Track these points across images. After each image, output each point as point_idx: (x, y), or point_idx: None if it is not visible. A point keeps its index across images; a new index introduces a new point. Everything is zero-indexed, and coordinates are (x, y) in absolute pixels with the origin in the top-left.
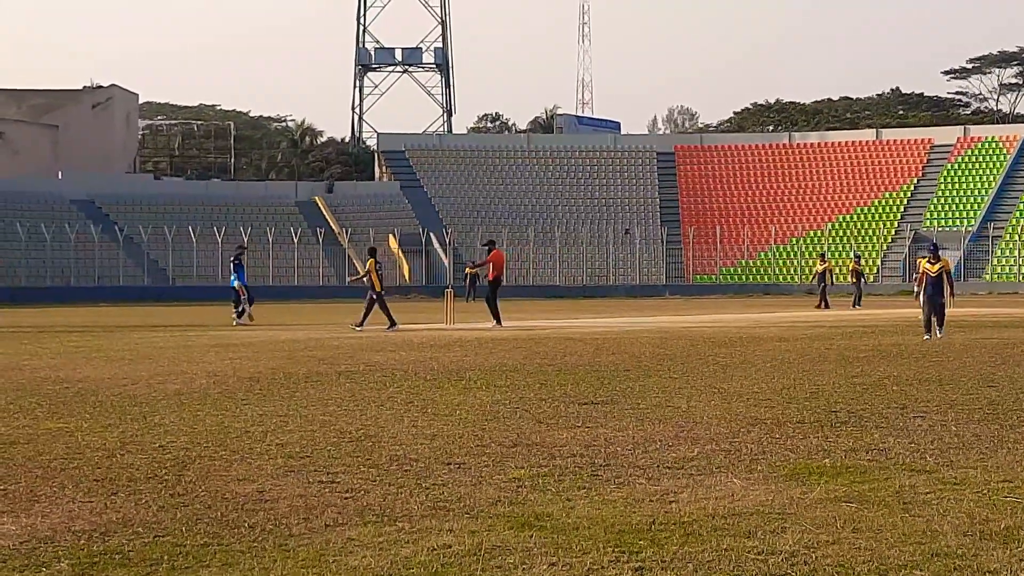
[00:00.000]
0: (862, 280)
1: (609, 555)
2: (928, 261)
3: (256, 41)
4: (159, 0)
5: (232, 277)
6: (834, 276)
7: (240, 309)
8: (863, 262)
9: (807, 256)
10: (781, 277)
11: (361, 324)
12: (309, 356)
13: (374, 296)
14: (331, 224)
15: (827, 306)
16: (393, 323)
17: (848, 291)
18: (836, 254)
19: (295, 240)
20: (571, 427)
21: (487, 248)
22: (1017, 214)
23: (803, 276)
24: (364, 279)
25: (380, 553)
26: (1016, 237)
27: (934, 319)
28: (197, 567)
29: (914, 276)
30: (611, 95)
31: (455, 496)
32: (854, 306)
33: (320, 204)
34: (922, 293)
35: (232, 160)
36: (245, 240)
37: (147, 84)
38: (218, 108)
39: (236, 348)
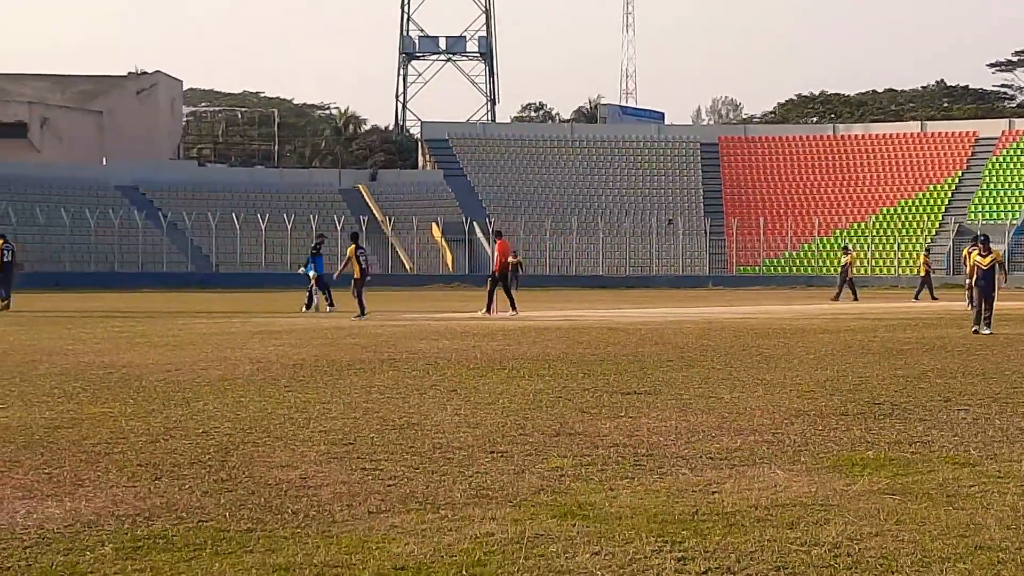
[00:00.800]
0: (846, 274)
1: (652, 545)
2: (979, 254)
3: (300, 28)
4: None
5: (309, 267)
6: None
7: (308, 301)
8: (852, 255)
9: (852, 247)
10: (825, 269)
11: (361, 314)
12: (352, 343)
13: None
14: (375, 212)
15: (837, 299)
16: (363, 312)
17: (858, 283)
18: (880, 247)
19: (338, 228)
20: (614, 417)
21: (494, 238)
22: None
23: None
24: (347, 267)
25: (423, 540)
26: None
27: (984, 313)
28: (240, 552)
29: (963, 270)
30: (655, 85)
31: (498, 484)
32: (835, 299)
33: (364, 192)
34: (973, 286)
35: (276, 147)
36: (323, 230)
37: (192, 71)
38: (262, 95)
39: (279, 335)
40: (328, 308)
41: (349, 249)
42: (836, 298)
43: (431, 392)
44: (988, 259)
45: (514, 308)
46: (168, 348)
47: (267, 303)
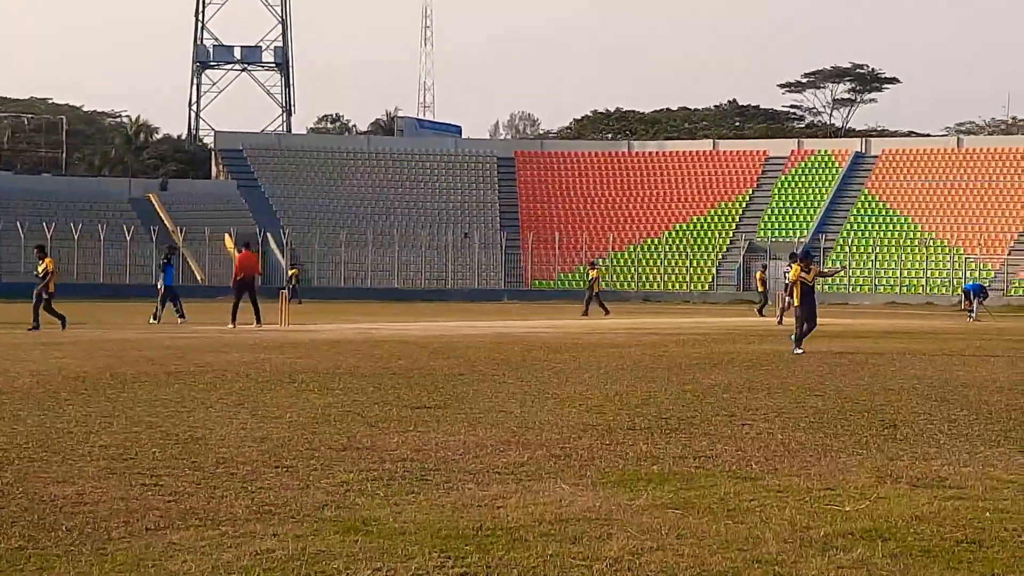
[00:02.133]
0: (592, 289)
1: (434, 560)
2: (803, 269)
3: (91, 34)
4: None
5: (161, 277)
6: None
7: (156, 312)
8: (600, 269)
9: (644, 263)
10: (618, 284)
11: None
12: (138, 356)
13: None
14: (165, 222)
15: (586, 314)
16: (36, 327)
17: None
18: (673, 262)
19: (127, 238)
20: (403, 431)
21: (240, 250)
22: (848, 226)
23: (639, 284)
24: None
25: (201, 557)
26: (846, 248)
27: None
28: (11, 571)
29: (782, 285)
30: (453, 99)
31: (281, 500)
32: (584, 314)
33: (154, 202)
34: (795, 303)
35: (64, 155)
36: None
37: None
38: (50, 102)
39: (63, 347)
40: (180, 320)
41: (47, 262)
42: (585, 313)
43: (217, 406)
44: (812, 274)
45: (258, 321)
46: None
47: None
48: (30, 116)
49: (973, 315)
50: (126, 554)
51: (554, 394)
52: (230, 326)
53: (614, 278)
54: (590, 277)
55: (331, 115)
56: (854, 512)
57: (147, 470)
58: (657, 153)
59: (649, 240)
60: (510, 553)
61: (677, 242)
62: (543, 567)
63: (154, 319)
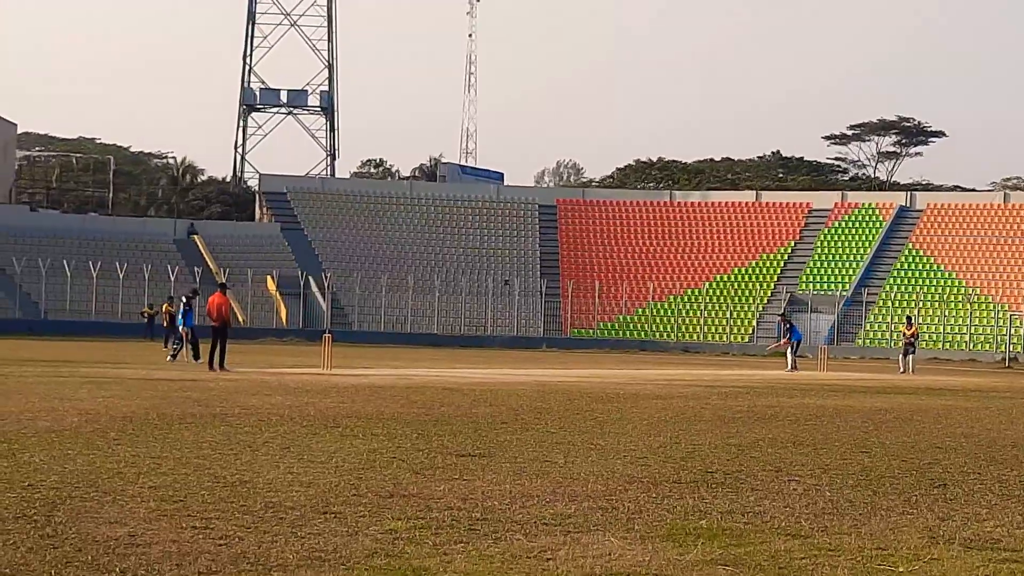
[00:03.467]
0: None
1: None
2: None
3: (139, 75)
4: (42, 29)
5: (180, 320)
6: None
7: (175, 351)
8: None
9: (684, 314)
10: (658, 334)
11: None
12: (184, 397)
13: None
14: (209, 263)
15: (907, 370)
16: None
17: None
18: (713, 314)
19: (172, 278)
20: (448, 479)
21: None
22: (891, 280)
23: (679, 334)
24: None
25: None
26: (889, 303)
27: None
28: None
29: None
30: (496, 146)
31: (331, 547)
32: None
33: (199, 242)
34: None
35: (111, 195)
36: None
37: (26, 114)
38: (98, 141)
39: (109, 386)
40: (194, 361)
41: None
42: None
43: (263, 449)
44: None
45: (212, 366)
46: None
47: (97, 352)
48: (78, 156)
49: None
50: None
51: (598, 445)
52: (212, 371)
53: (654, 328)
54: (907, 333)
55: (375, 160)
56: (907, 573)
57: (197, 513)
58: (699, 203)
59: (690, 291)
60: None
61: (718, 293)
62: None
63: (172, 358)
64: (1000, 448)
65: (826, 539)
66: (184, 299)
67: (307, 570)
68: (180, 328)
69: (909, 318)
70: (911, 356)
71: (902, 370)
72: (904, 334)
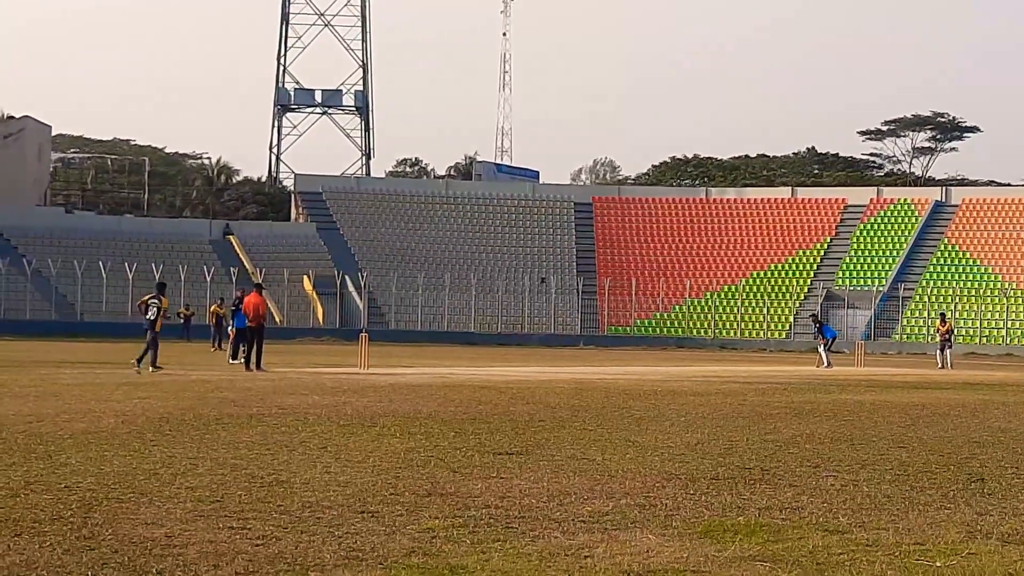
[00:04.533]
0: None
1: None
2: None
3: (174, 76)
4: (77, 31)
5: (232, 322)
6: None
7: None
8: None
9: (721, 311)
10: (695, 331)
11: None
12: (219, 398)
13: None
14: (245, 263)
15: (945, 366)
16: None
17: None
18: (750, 310)
19: (208, 279)
20: (486, 477)
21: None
22: (927, 276)
23: (716, 331)
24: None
25: None
26: (925, 298)
27: None
28: None
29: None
30: (532, 144)
31: (368, 545)
32: None
33: (234, 243)
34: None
35: (146, 196)
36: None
37: (61, 116)
38: (133, 143)
39: (145, 387)
40: (231, 361)
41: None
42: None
43: (300, 449)
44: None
45: (249, 366)
46: (30, 399)
47: (133, 354)
48: (114, 157)
49: None
50: None
51: (635, 442)
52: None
53: (691, 325)
54: (942, 330)
55: (410, 159)
56: (946, 568)
57: (234, 513)
58: (735, 200)
59: (726, 287)
60: None
61: (754, 290)
62: None
63: (233, 359)
64: None
65: (864, 535)
66: (234, 302)
67: (344, 570)
68: (231, 329)
69: (943, 314)
70: (948, 351)
71: (940, 366)
72: (939, 330)
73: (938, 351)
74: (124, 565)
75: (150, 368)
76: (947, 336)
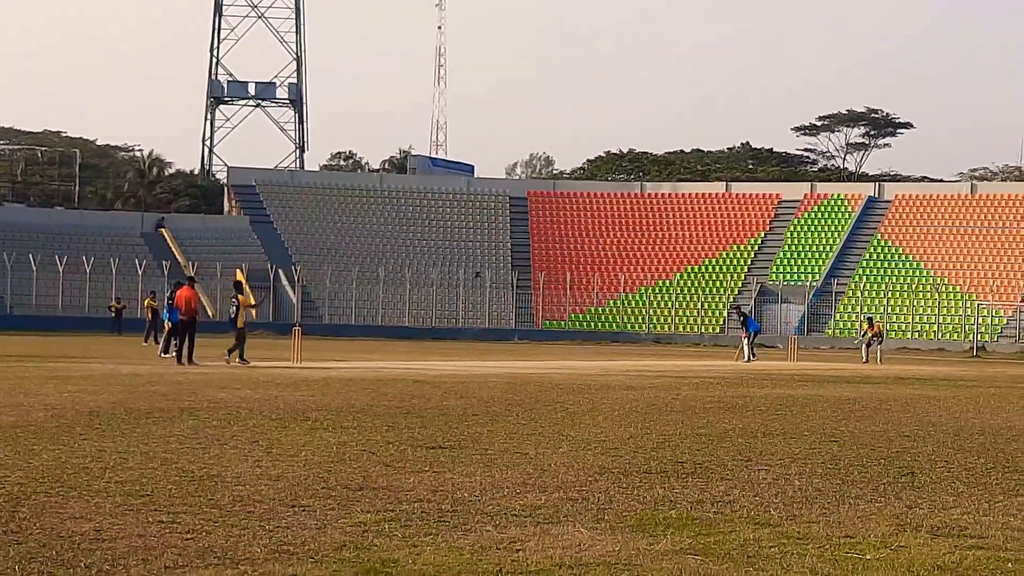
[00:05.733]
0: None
1: None
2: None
3: (106, 68)
4: (5, 20)
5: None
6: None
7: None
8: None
9: (655, 305)
10: (630, 325)
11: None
12: (151, 391)
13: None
14: (177, 256)
15: (871, 360)
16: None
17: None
18: (684, 305)
19: (140, 272)
20: (418, 471)
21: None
22: (860, 271)
23: (651, 325)
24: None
25: None
26: (858, 293)
27: None
28: None
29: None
30: (467, 138)
31: (299, 539)
32: None
33: (167, 236)
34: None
35: (77, 188)
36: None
37: None
38: (64, 135)
39: (75, 381)
40: (162, 355)
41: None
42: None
43: (232, 443)
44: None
45: (181, 360)
46: None
47: (64, 347)
48: (44, 149)
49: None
50: None
51: (569, 436)
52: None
53: (625, 319)
54: (870, 332)
55: (344, 152)
56: (875, 561)
57: (164, 507)
58: (670, 195)
59: (661, 282)
60: None
61: (689, 284)
62: None
63: (165, 353)
64: (967, 436)
65: (795, 527)
66: (169, 295)
67: (275, 563)
68: (165, 322)
69: (870, 319)
70: (876, 346)
71: (865, 360)
72: (866, 332)
73: (864, 346)
74: (52, 559)
75: (238, 360)
76: (876, 337)
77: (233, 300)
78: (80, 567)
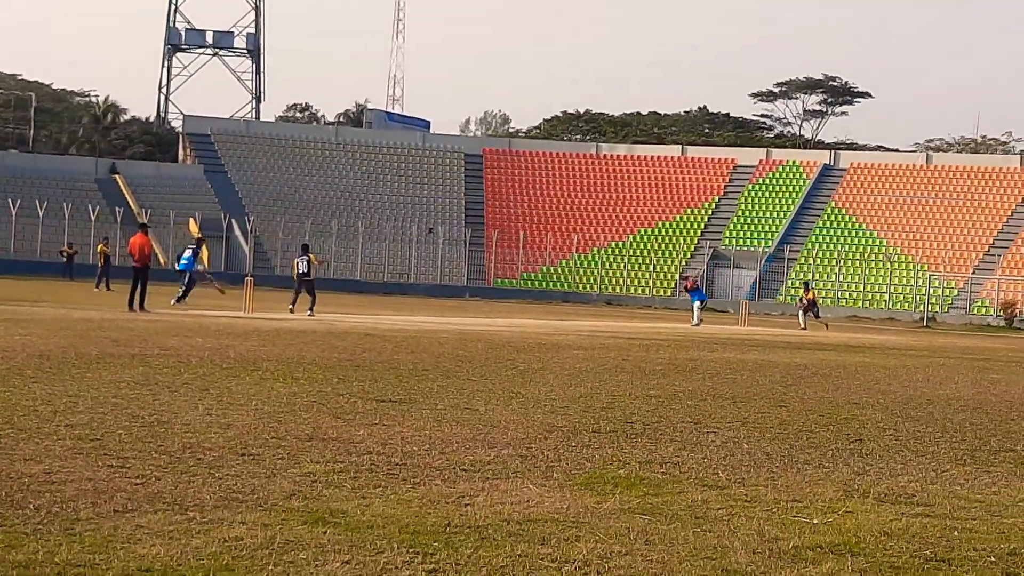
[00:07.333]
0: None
1: (403, 555)
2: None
3: (63, 12)
4: None
5: (185, 262)
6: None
7: (181, 294)
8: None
9: (608, 266)
10: (582, 286)
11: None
12: (102, 336)
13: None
14: (131, 203)
15: (807, 327)
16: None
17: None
18: (637, 267)
19: (92, 218)
20: (368, 424)
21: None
22: (813, 238)
23: (602, 287)
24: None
25: (170, 542)
26: (810, 260)
27: None
28: None
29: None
30: (424, 93)
31: (248, 488)
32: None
33: (120, 182)
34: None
35: (31, 132)
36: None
37: None
38: (19, 78)
39: (25, 324)
40: (173, 301)
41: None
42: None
43: (182, 390)
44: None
45: (132, 307)
46: None
47: (15, 290)
48: None
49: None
50: (94, 535)
51: (519, 393)
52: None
53: (577, 280)
54: (808, 298)
55: (300, 104)
56: (822, 525)
57: (114, 452)
58: (625, 156)
59: (614, 243)
60: (478, 552)
61: (642, 247)
62: (512, 567)
63: (177, 301)
64: (916, 405)
65: (743, 491)
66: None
67: (224, 511)
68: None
69: (807, 283)
70: (813, 312)
71: (803, 326)
72: (803, 298)
73: (800, 312)
74: (2, 500)
75: (307, 312)
76: (811, 303)
77: (303, 259)
78: (30, 508)
